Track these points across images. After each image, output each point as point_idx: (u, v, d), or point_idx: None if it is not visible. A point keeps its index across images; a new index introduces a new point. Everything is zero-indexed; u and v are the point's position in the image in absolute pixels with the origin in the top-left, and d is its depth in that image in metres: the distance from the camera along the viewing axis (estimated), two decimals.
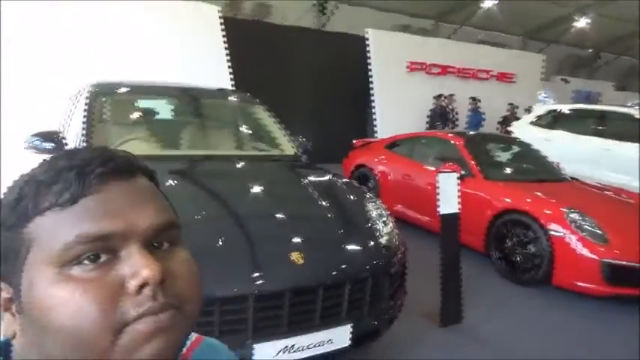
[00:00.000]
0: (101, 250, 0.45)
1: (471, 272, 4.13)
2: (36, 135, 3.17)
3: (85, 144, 3.07)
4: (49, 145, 3.15)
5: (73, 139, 3.31)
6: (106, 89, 3.74)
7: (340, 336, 2.21)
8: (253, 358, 2.00)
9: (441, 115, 9.55)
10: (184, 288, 0.48)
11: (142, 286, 0.44)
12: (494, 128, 10.06)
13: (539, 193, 4.32)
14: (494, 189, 4.54)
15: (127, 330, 0.44)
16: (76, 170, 0.47)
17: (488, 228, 4.38)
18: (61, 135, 3.35)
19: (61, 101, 4.62)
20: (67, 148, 3.22)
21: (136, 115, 3.80)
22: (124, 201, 0.47)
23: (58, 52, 6.67)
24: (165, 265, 0.46)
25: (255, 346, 2.01)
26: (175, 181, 2.83)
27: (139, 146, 3.33)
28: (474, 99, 10.07)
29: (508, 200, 4.32)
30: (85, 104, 3.40)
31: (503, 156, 5.77)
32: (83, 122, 3.25)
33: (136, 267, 0.45)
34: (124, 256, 0.46)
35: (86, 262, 0.44)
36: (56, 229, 0.45)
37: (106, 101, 3.62)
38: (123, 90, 3.87)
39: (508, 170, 5.33)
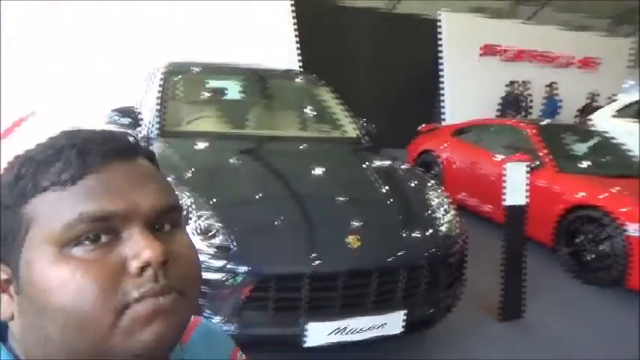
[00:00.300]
0: (102, 230, 0.44)
1: (536, 267, 3.95)
2: (115, 110, 3.37)
3: (158, 120, 3.22)
4: (126, 120, 3.34)
5: (148, 115, 3.48)
6: (179, 69, 3.90)
7: (393, 322, 2.21)
8: (305, 337, 2.05)
9: (513, 103, 9.10)
10: (186, 271, 0.47)
11: (143, 268, 0.43)
12: (573, 118, 9.46)
13: (617, 189, 4.04)
14: (566, 182, 4.30)
15: (127, 312, 0.43)
16: (77, 149, 0.45)
17: (557, 222, 4.17)
18: (137, 111, 3.54)
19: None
20: (141, 123, 3.40)
21: (206, 94, 3.94)
22: (125, 181, 0.46)
23: (140, 29, 7.03)
24: (167, 247, 0.45)
25: (308, 325, 2.05)
26: (241, 160, 2.91)
27: (207, 124, 3.46)
28: (550, 85, 9.50)
29: (581, 195, 4.07)
30: (159, 83, 3.57)
31: (580, 148, 5.43)
32: (157, 99, 3.41)
33: (138, 248, 0.44)
34: (126, 237, 0.45)
35: (87, 242, 0.43)
36: (56, 208, 0.44)
37: (178, 80, 3.78)
38: (195, 70, 4.01)
39: (584, 163, 5.00)
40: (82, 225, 0.43)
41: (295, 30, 8.31)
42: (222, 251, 2.09)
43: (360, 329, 2.14)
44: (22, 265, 0.44)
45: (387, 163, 3.25)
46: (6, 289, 0.46)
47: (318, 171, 3.02)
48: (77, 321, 0.42)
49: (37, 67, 6.98)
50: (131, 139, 0.50)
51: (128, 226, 0.45)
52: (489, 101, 9.26)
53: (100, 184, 0.45)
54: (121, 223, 0.45)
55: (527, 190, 3.21)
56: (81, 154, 0.45)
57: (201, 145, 3.12)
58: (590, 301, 3.67)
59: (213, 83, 4.14)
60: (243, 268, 2.04)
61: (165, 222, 0.48)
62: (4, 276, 0.46)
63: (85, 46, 7.16)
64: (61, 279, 0.42)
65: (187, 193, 2.28)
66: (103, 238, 0.44)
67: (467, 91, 9.55)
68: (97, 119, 3.48)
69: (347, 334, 2.11)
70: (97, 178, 0.45)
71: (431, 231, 2.53)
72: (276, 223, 2.28)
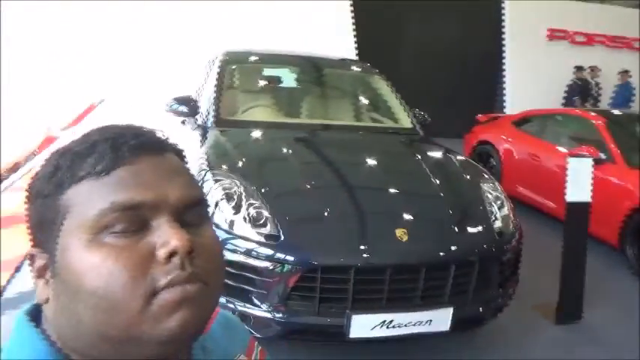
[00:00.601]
0: (133, 219, 0.47)
1: (599, 267, 3.76)
2: (175, 99, 3.49)
3: (214, 109, 3.30)
4: (184, 109, 3.45)
5: (205, 104, 3.58)
6: (236, 58, 3.97)
7: (440, 318, 2.17)
8: (350, 328, 2.06)
9: (581, 91, 8.55)
10: (210, 262, 0.50)
11: (171, 255, 0.46)
12: None
13: None
14: (636, 178, 4.02)
15: (155, 299, 0.45)
16: (110, 142, 0.48)
17: (625, 221, 3.92)
18: (195, 100, 3.65)
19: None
20: (199, 112, 3.50)
21: (261, 82, 3.99)
22: (154, 174, 0.49)
23: (200, 18, 7.23)
24: (193, 238, 0.47)
25: (354, 316, 2.06)
26: (293, 149, 2.93)
27: (262, 113, 3.51)
28: (625, 72, 8.83)
29: None
30: (217, 72, 3.65)
31: None
32: (214, 88, 3.50)
33: (166, 237, 0.46)
34: (154, 227, 0.47)
35: (118, 230, 0.46)
36: (91, 197, 0.47)
37: (235, 69, 3.85)
38: (251, 59, 4.07)
39: None
40: (113, 214, 0.46)
41: (352, 17, 8.24)
42: (271, 240, 2.13)
43: (406, 324, 2.12)
44: (59, 251, 0.48)
45: (441, 154, 3.17)
46: (43, 274, 0.49)
47: (370, 161, 3.00)
48: (108, 304, 0.45)
49: (102, 57, 7.37)
50: (160, 134, 0.53)
51: (157, 216, 0.48)
52: (556, 89, 8.78)
53: (131, 175, 0.48)
54: (150, 212, 0.47)
55: (591, 186, 3.03)
56: (114, 147, 0.48)
57: (254, 134, 3.18)
58: None
59: (269, 72, 4.18)
60: (290, 258, 2.07)
61: (191, 214, 0.50)
62: (41, 262, 0.49)
63: (152, 35, 7.46)
64: (93, 264, 0.45)
65: (238, 182, 2.33)
66: (133, 227, 0.47)
67: (530, 78, 9.11)
68: (159, 107, 3.63)
69: (392, 328, 2.10)
70: (129, 170, 0.48)
71: (484, 226, 2.45)
72: (325, 213, 2.29)
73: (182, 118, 3.85)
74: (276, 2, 7.75)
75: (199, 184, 0.50)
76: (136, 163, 0.49)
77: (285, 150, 2.90)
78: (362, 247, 2.17)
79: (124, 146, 0.49)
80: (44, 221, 0.49)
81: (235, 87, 3.79)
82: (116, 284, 0.45)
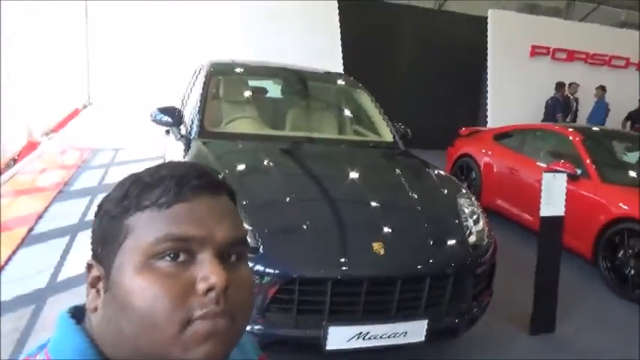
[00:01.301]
0: (182, 250, 0.53)
1: (572, 279, 3.86)
2: (159, 109, 3.51)
3: (198, 120, 3.34)
4: (168, 119, 3.47)
5: (189, 114, 3.62)
6: (222, 69, 4.01)
7: (415, 330, 2.23)
8: (327, 340, 2.10)
9: (562, 107, 8.68)
10: (243, 300, 0.56)
11: (208, 290, 0.52)
12: (620, 124, 8.99)
13: None
14: (611, 193, 4.14)
15: (189, 327, 0.51)
16: (176, 179, 0.56)
17: (599, 235, 4.03)
18: (179, 110, 3.67)
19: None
20: (183, 122, 3.53)
21: (247, 94, 4.03)
22: (208, 213, 0.56)
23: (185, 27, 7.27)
24: (231, 276, 0.54)
25: (330, 328, 2.10)
26: (275, 161, 2.97)
27: (246, 125, 3.55)
28: (602, 88, 9.00)
29: (625, 207, 3.92)
30: (202, 83, 3.69)
31: (630, 157, 5.20)
32: (199, 100, 3.53)
33: (207, 272, 0.52)
34: (199, 260, 0.53)
35: (168, 258, 0.53)
36: (150, 225, 0.53)
37: (220, 80, 3.89)
38: (237, 70, 4.12)
39: (632, 173, 4.80)
40: (167, 243, 0.53)
41: (340, 26, 8.35)
42: (250, 252, 2.16)
43: (382, 336, 2.16)
44: (115, 267, 0.54)
45: (420, 168, 3.24)
46: (95, 284, 0.56)
47: (351, 174, 3.05)
48: (148, 323, 0.51)
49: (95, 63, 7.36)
50: (219, 177, 0.61)
51: (202, 251, 0.54)
52: (537, 104, 8.96)
53: (188, 211, 0.55)
54: (198, 247, 0.54)
55: (565, 201, 3.13)
56: (178, 184, 0.55)
57: (237, 146, 3.22)
58: (628, 320, 3.53)
59: (254, 84, 4.23)
60: (269, 270, 2.11)
61: (233, 253, 0.57)
62: (96, 273, 0.56)
63: (141, 41, 7.47)
64: (142, 286, 0.52)
65: None
66: (181, 257, 0.53)
67: (513, 93, 9.29)
68: (145, 114, 3.64)
69: (368, 339, 2.14)
70: (187, 206, 0.55)
71: (459, 240, 2.52)
72: (304, 226, 2.34)
73: (166, 128, 3.87)
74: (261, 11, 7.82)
75: None
76: (193, 201, 0.55)
77: (266, 162, 2.95)
78: (340, 260, 2.22)
79: (187, 185, 0.56)
80: (107, 238, 0.56)
81: (220, 98, 3.82)
82: (158, 307, 0.51)
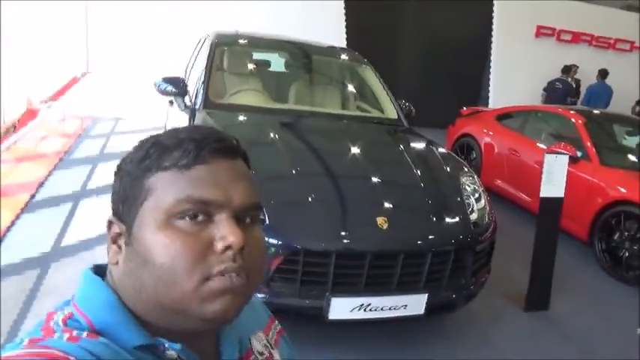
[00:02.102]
0: (200, 211, 0.55)
1: (569, 260, 3.93)
2: (164, 79, 3.50)
3: (203, 91, 3.33)
4: (173, 89, 3.46)
5: (193, 85, 3.60)
6: (227, 40, 3.98)
7: (415, 303, 2.28)
8: (329, 310, 2.15)
9: (573, 91, 8.54)
10: (256, 260, 0.59)
11: (226, 249, 0.54)
12: (628, 109, 8.94)
13: None
14: (610, 176, 4.18)
15: (208, 282, 0.54)
16: (195, 142, 0.57)
17: (595, 217, 4.08)
18: (183, 81, 3.66)
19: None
20: (188, 92, 3.52)
21: (251, 66, 4.01)
22: (226, 176, 0.58)
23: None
24: (246, 236, 0.56)
25: (333, 299, 2.15)
26: (279, 134, 2.98)
27: (250, 97, 3.54)
28: (604, 72, 8.88)
29: (623, 190, 3.96)
30: (207, 54, 3.66)
31: (631, 141, 5.22)
32: (204, 71, 3.51)
33: (225, 232, 0.55)
34: (217, 221, 0.56)
35: (187, 218, 0.55)
36: (171, 186, 0.56)
37: (225, 51, 3.86)
38: (241, 41, 4.08)
39: (632, 157, 4.83)
40: (187, 204, 0.55)
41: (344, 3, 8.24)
42: None
43: (383, 308, 2.22)
44: (136, 224, 0.57)
45: (424, 145, 3.26)
46: (116, 240, 0.59)
47: (355, 150, 3.06)
48: (169, 279, 0.54)
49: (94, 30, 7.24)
50: (235, 142, 0.62)
51: (220, 213, 0.56)
52: (539, 86, 8.91)
53: (207, 174, 0.57)
54: (216, 209, 0.56)
55: (565, 183, 3.16)
56: (198, 147, 0.57)
57: (241, 118, 3.22)
58: (620, 300, 3.61)
59: (258, 56, 4.20)
60: (274, 241, 2.15)
61: (247, 216, 0.59)
62: (117, 230, 0.59)
63: (142, 11, 7.34)
64: (163, 242, 0.54)
65: None
66: (200, 218, 0.56)
67: (516, 73, 9.24)
68: (144, 83, 3.62)
69: (370, 311, 2.20)
70: (206, 169, 0.57)
71: (461, 217, 2.56)
72: (309, 199, 2.37)
73: (170, 98, 3.86)
74: None
75: None
76: (212, 163, 0.57)
77: (271, 135, 2.95)
78: (343, 233, 2.26)
79: (206, 148, 0.57)
80: (128, 198, 0.58)
81: (224, 69, 3.80)
82: (179, 263, 0.54)
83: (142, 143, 0.61)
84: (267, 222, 2.20)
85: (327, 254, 2.17)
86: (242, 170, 0.61)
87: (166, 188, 0.56)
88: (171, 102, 4.02)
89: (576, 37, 9.70)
